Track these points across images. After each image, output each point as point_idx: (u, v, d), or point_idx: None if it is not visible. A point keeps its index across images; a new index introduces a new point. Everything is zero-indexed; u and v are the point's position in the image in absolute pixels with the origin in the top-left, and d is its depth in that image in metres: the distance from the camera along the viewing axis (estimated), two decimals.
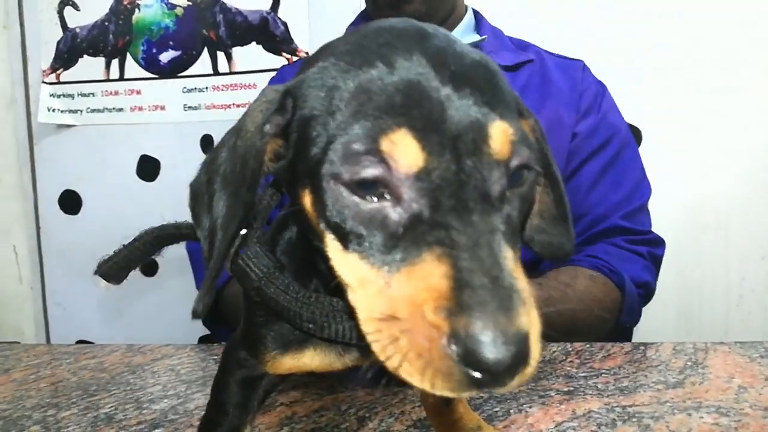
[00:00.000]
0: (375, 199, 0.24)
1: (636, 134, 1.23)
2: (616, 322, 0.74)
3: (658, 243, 0.82)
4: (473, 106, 0.24)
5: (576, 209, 0.78)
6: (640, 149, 1.21)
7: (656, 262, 0.81)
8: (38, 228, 1.53)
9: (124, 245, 0.43)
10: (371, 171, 0.24)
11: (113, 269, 0.42)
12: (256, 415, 0.35)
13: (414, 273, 0.23)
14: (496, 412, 0.45)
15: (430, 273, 0.22)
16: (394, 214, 0.24)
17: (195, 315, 0.30)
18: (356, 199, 0.24)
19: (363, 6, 0.94)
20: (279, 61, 1.30)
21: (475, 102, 0.24)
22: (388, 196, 0.24)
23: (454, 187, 0.23)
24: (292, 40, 1.30)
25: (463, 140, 0.24)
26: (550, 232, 0.33)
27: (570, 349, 0.59)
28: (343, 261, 0.25)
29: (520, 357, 0.21)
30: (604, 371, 0.53)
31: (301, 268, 0.31)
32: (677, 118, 1.22)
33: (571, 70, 0.87)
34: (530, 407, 0.46)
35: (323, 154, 0.24)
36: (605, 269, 0.74)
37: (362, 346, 0.30)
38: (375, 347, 0.23)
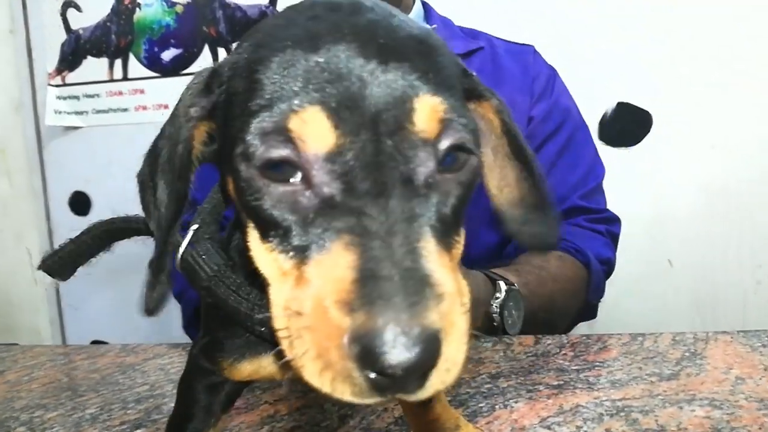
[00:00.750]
0: (286, 182, 0.22)
1: (646, 118, 1.21)
2: (586, 299, 0.76)
3: (615, 221, 0.84)
4: (400, 80, 0.22)
5: None
6: (652, 133, 1.21)
7: (614, 238, 0.83)
8: (50, 230, 1.55)
9: (70, 239, 0.41)
10: (278, 151, 0.22)
11: (57, 264, 0.40)
12: (223, 417, 0.34)
13: (321, 264, 0.21)
14: (481, 407, 0.44)
15: (336, 264, 0.20)
16: (304, 198, 0.22)
17: (148, 313, 0.29)
18: (266, 182, 0.23)
19: None
20: None
21: (403, 77, 0.22)
22: (298, 179, 0.22)
23: (369, 169, 0.21)
24: None
25: (384, 118, 0.22)
26: (534, 221, 0.31)
27: (565, 341, 0.58)
28: (260, 251, 0.24)
29: (425, 359, 0.19)
30: (597, 363, 0.51)
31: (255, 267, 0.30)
32: (694, 101, 1.19)
33: (522, 55, 0.87)
34: (516, 402, 0.44)
35: (238, 134, 0.23)
36: (571, 249, 0.76)
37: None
38: (283, 345, 0.22)
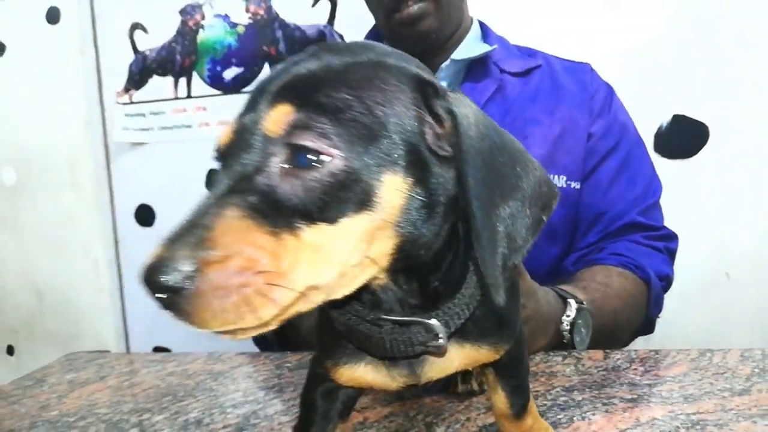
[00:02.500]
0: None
1: (703, 130, 1.21)
2: (647, 313, 0.78)
3: (672, 237, 0.85)
4: (278, 99, 0.28)
5: (597, 206, 0.83)
6: (709, 144, 1.21)
7: (672, 255, 0.84)
8: (116, 241, 1.63)
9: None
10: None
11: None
12: (340, 424, 0.37)
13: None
14: (560, 419, 0.46)
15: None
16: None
17: None
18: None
19: None
20: None
21: (284, 96, 0.28)
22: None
23: (228, 159, 0.28)
24: None
25: (250, 123, 0.28)
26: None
27: (634, 356, 0.60)
28: None
29: (170, 287, 0.24)
30: (669, 378, 0.53)
31: None
32: (750, 112, 1.18)
33: (579, 73, 0.88)
34: (593, 414, 0.47)
35: None
36: (631, 266, 0.77)
37: (400, 358, 0.33)
38: None
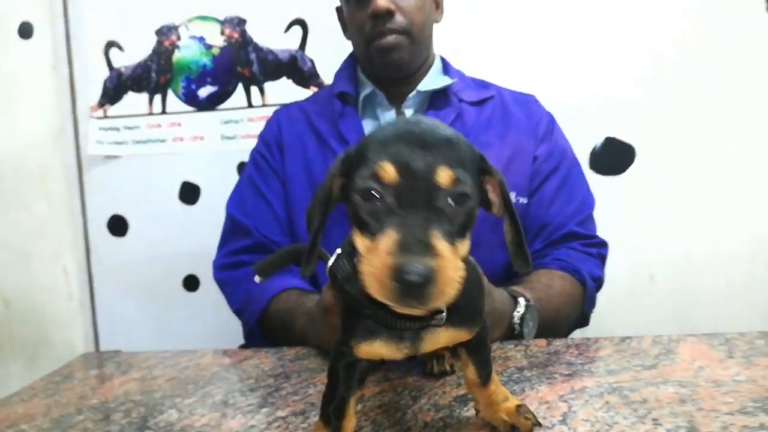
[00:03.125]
0: (372, 201, 0.40)
1: (630, 151, 1.39)
2: (582, 311, 0.93)
3: (603, 245, 1.00)
4: (430, 158, 0.40)
5: (541, 219, 0.98)
6: (636, 163, 1.39)
7: (603, 260, 1.00)
8: (88, 249, 1.68)
9: (273, 253, 0.64)
10: (369, 184, 0.39)
11: (263, 268, 0.62)
12: (358, 389, 0.49)
13: (382, 239, 0.38)
14: (514, 390, 0.60)
15: (387, 238, 0.38)
16: (379, 209, 0.39)
17: (303, 276, 0.48)
18: (363, 201, 0.40)
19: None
20: (307, 93, 1.45)
21: (433, 156, 0.40)
22: (378, 199, 0.40)
23: (412, 196, 0.39)
24: (318, 75, 1.45)
25: (421, 173, 0.39)
26: (517, 254, 0.47)
27: (571, 343, 0.74)
28: (358, 239, 0.41)
29: (421, 279, 0.36)
30: (597, 358, 0.68)
31: None
32: (672, 135, 1.37)
33: (526, 103, 1.04)
34: (540, 386, 0.61)
35: (354, 180, 0.41)
36: (570, 269, 0.92)
37: (411, 330, 0.45)
38: (362, 279, 0.38)
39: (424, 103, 1.01)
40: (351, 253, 0.49)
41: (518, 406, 0.52)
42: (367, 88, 1.01)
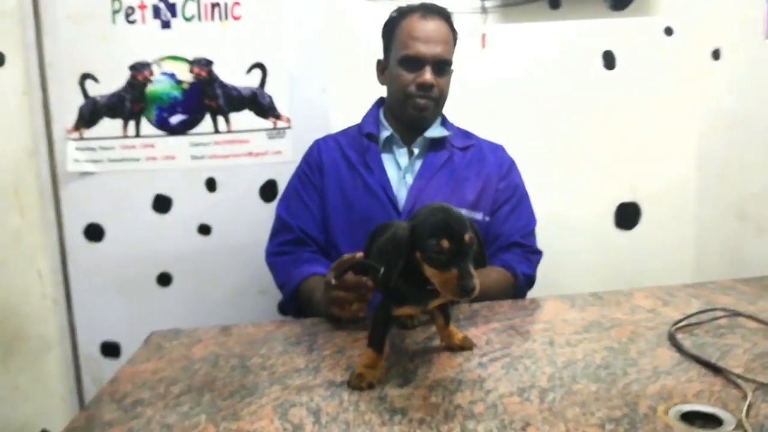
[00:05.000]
0: (441, 253, 0.77)
1: None
2: (513, 296, 1.29)
3: (538, 253, 1.39)
4: (462, 227, 0.78)
5: (496, 232, 1.37)
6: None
7: (536, 264, 1.37)
8: (64, 254, 1.89)
9: (347, 265, 0.98)
10: (439, 245, 0.77)
11: (338, 271, 0.98)
12: (388, 331, 0.89)
13: (446, 273, 0.76)
14: (461, 326, 1.03)
15: (453, 272, 0.75)
16: (443, 257, 0.77)
17: (382, 286, 0.85)
18: (433, 255, 0.77)
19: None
20: (267, 123, 1.80)
21: (462, 225, 0.78)
22: (441, 251, 0.77)
23: (459, 249, 0.77)
24: (276, 108, 1.80)
25: (461, 239, 0.77)
26: (477, 255, 0.90)
27: (485, 305, 1.19)
28: (431, 273, 0.78)
29: (473, 289, 0.75)
30: (500, 312, 1.13)
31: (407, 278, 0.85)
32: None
33: (496, 150, 1.44)
34: (471, 327, 1.05)
35: (424, 245, 0.78)
36: (507, 267, 1.30)
37: (421, 302, 0.86)
38: (440, 290, 0.77)
39: (427, 145, 1.41)
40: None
41: (464, 337, 0.96)
42: (387, 131, 1.39)
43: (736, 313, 1.08)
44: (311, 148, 1.46)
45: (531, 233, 1.40)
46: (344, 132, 1.48)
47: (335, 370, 0.92)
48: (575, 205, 2.01)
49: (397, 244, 0.80)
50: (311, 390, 0.86)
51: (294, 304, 1.32)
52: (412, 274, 0.81)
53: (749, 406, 0.74)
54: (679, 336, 0.98)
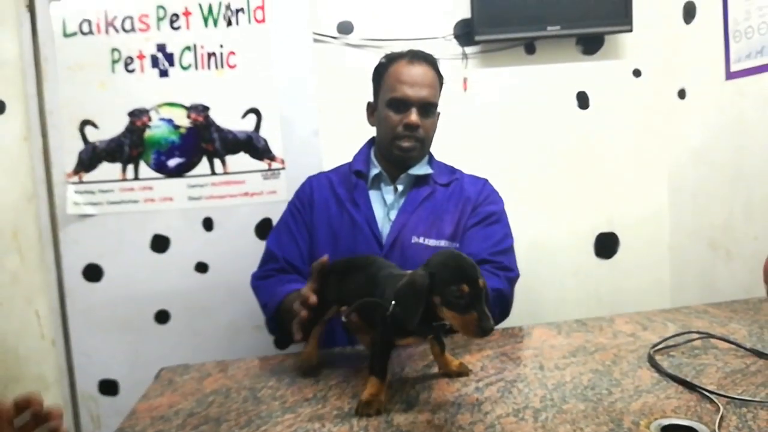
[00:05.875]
0: (460, 298, 0.84)
1: None
2: None
3: (512, 270, 1.37)
4: (477, 274, 0.85)
5: (466, 250, 1.35)
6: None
7: (510, 281, 1.35)
8: (62, 295, 1.93)
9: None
10: (458, 291, 0.84)
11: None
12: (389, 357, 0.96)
13: (466, 315, 0.84)
14: (456, 354, 1.11)
15: (473, 315, 0.83)
16: (462, 301, 0.85)
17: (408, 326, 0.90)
18: (453, 300, 0.85)
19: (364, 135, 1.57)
20: (262, 165, 1.88)
21: (478, 274, 0.85)
22: (460, 296, 0.84)
23: (476, 293, 0.84)
24: (270, 150, 1.88)
25: (477, 283, 0.84)
26: None
27: None
28: (449, 316, 0.86)
29: (492, 329, 0.83)
30: (492, 340, 1.21)
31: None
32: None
33: (477, 184, 1.48)
34: (466, 354, 1.12)
35: (445, 289, 0.84)
36: None
37: (423, 334, 0.94)
38: (460, 331, 0.85)
39: (412, 182, 1.46)
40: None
41: (460, 363, 1.03)
42: (375, 169, 1.46)
43: (709, 336, 1.16)
44: (304, 185, 1.54)
45: (503, 252, 1.40)
46: (336, 169, 1.55)
47: (342, 398, 0.99)
48: (556, 236, 2.11)
49: (418, 291, 0.85)
50: (322, 417, 0.92)
51: (276, 321, 1.36)
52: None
53: (721, 418, 0.81)
54: (658, 357, 1.06)
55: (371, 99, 1.54)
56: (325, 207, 1.47)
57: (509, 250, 1.45)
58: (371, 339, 0.98)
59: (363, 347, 1.19)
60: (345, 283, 1.07)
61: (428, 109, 1.42)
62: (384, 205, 1.47)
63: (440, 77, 1.47)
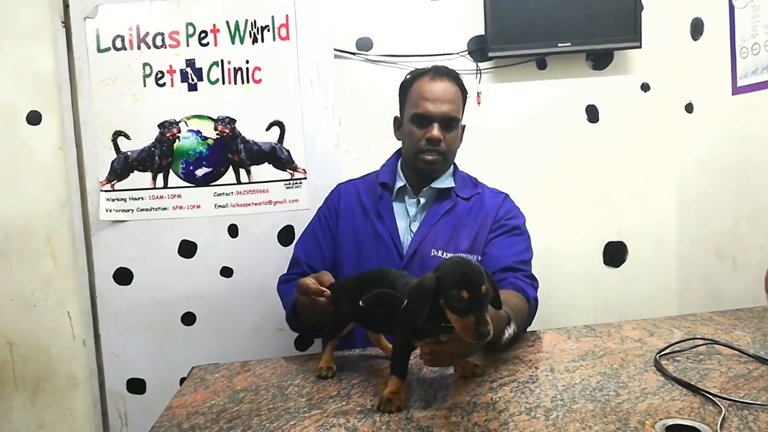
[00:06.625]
0: (461, 301, 0.91)
1: None
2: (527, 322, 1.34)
3: (537, 281, 1.41)
4: (482, 280, 0.93)
5: (489, 260, 1.41)
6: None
7: (536, 289, 1.39)
8: (94, 297, 2.02)
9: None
10: (460, 296, 0.91)
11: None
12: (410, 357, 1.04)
13: (465, 319, 0.91)
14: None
15: (471, 318, 0.90)
16: (463, 305, 0.92)
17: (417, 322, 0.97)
18: (455, 303, 0.92)
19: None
20: (285, 175, 1.96)
21: (481, 279, 0.93)
22: (461, 299, 0.92)
23: (476, 299, 0.92)
24: (293, 161, 1.97)
25: (478, 289, 0.92)
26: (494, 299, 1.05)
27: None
28: (453, 318, 0.93)
29: (488, 334, 0.90)
30: (524, 341, 1.28)
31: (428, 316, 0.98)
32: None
33: (497, 197, 1.52)
34: (483, 358, 1.19)
35: (449, 293, 0.92)
36: (521, 290, 1.32)
37: (436, 335, 1.01)
38: (459, 333, 0.92)
39: (434, 195, 1.50)
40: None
41: (475, 365, 1.11)
42: (401, 182, 1.51)
43: (714, 342, 1.21)
44: (332, 193, 1.60)
45: (526, 262, 1.44)
46: (364, 178, 1.61)
47: (365, 396, 1.06)
48: (567, 244, 2.18)
49: (425, 292, 0.92)
50: (347, 413, 0.99)
51: (295, 318, 1.40)
52: (431, 314, 0.96)
53: (723, 419, 0.87)
54: (664, 362, 1.12)
55: (392, 113, 1.61)
56: (350, 216, 1.54)
57: (530, 262, 1.46)
58: (393, 341, 1.05)
59: (381, 351, 1.27)
60: (355, 299, 1.13)
61: (450, 123, 1.48)
62: (407, 217, 1.53)
63: (464, 92, 1.52)
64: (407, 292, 0.98)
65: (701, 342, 1.22)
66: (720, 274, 2.03)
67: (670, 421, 0.89)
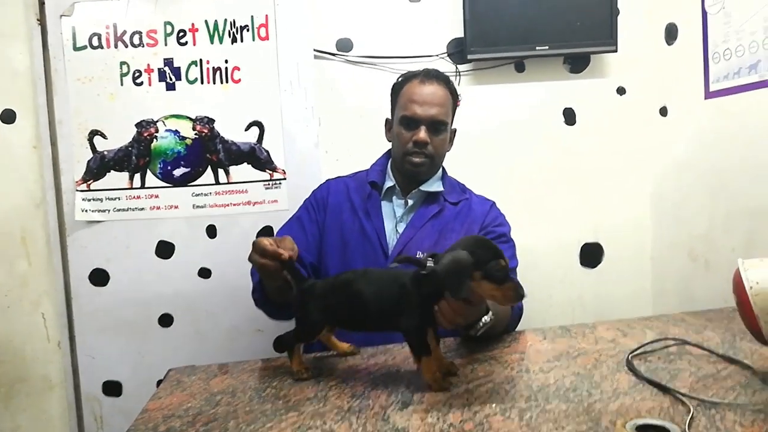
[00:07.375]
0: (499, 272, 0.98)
1: None
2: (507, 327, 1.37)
3: (521, 287, 1.55)
4: (476, 270, 0.97)
5: None
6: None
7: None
8: (69, 298, 1.99)
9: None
10: (498, 266, 0.97)
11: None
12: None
13: (505, 285, 0.98)
14: (448, 356, 1.19)
15: (511, 285, 0.99)
16: (501, 274, 0.97)
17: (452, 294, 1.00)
18: (496, 273, 0.97)
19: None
20: (264, 175, 1.96)
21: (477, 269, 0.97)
22: (500, 271, 0.97)
23: (507, 268, 0.99)
24: (272, 161, 1.96)
25: (505, 258, 0.98)
26: None
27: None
28: (488, 288, 0.98)
29: (525, 294, 0.97)
30: (482, 343, 1.30)
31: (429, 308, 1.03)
32: None
33: (485, 204, 1.55)
34: (459, 358, 1.21)
35: (485, 267, 0.98)
36: None
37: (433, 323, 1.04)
38: (499, 300, 0.99)
39: (422, 197, 1.51)
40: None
41: (450, 363, 1.12)
42: (390, 182, 1.52)
43: (684, 342, 1.24)
44: (321, 186, 1.60)
45: (512, 270, 1.43)
46: (355, 175, 1.61)
47: (342, 397, 1.06)
48: (544, 245, 2.21)
49: (465, 266, 0.98)
50: (323, 415, 0.99)
51: (262, 293, 1.39)
52: (424, 305, 1.03)
53: (692, 419, 0.89)
54: (636, 362, 1.15)
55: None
56: (338, 212, 1.54)
57: (515, 270, 1.48)
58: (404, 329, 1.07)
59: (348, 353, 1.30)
60: (329, 303, 1.14)
61: (438, 127, 1.49)
62: (393, 218, 1.54)
63: (454, 96, 1.53)
64: (442, 270, 0.99)
65: (672, 342, 1.25)
66: (693, 275, 2.07)
67: (641, 421, 0.91)
